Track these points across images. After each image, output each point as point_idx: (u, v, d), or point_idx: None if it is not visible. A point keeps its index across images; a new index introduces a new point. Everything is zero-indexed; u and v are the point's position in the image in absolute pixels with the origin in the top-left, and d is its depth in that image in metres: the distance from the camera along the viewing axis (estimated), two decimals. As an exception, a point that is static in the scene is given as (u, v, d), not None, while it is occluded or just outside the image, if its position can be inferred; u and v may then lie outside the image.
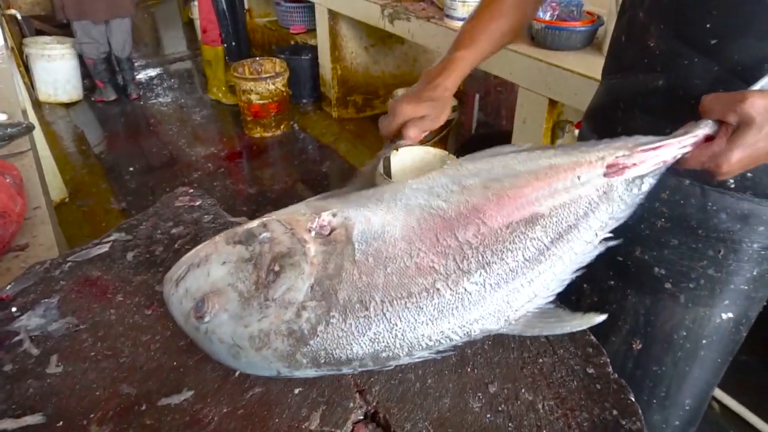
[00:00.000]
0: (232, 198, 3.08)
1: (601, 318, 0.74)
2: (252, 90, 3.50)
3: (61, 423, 0.65)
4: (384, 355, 0.67)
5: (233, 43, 4.05)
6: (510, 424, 0.65)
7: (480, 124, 4.00)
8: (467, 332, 0.69)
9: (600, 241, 0.74)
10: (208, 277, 0.70)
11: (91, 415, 0.66)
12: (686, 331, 0.92)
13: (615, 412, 0.67)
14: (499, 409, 0.67)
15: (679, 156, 0.71)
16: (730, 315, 0.91)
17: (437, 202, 0.73)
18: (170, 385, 0.69)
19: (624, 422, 0.66)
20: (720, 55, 0.76)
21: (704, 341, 0.92)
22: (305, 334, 0.65)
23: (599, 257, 0.74)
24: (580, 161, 0.74)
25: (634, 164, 0.72)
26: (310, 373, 0.68)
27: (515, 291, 0.70)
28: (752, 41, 0.73)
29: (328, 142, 3.67)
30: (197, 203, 1.05)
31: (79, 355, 0.73)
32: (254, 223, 0.75)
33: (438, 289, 0.67)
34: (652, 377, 0.96)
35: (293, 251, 0.70)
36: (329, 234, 0.72)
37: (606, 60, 1.01)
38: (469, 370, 0.72)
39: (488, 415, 0.66)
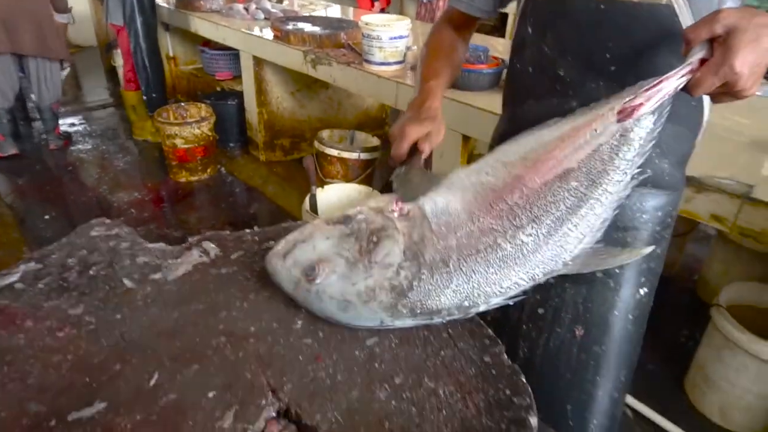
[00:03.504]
0: (157, 242, 3.00)
1: (649, 249, 0.93)
2: (177, 134, 3.48)
3: (-37, 444, 0.64)
4: (466, 304, 0.80)
5: (153, 95, 4.05)
6: (413, 409, 0.70)
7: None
8: (531, 277, 0.81)
9: (632, 177, 0.84)
10: (314, 250, 0.82)
11: (-3, 434, 0.65)
12: (618, 310, 1.04)
13: (508, 392, 0.74)
14: (404, 396, 0.72)
15: (681, 86, 0.76)
16: (645, 290, 1.05)
17: (486, 178, 0.86)
18: (82, 400, 0.70)
19: (515, 399, 0.73)
20: (619, 77, 0.91)
21: (630, 317, 1.05)
22: (404, 288, 0.79)
23: None
24: (594, 117, 0.83)
25: (641, 104, 0.80)
26: (408, 322, 0.81)
27: (565, 235, 0.82)
28: (644, 64, 0.90)
29: (256, 185, 3.68)
30: (114, 232, 1.06)
31: (-16, 379, 0.72)
32: (348, 211, 0.87)
33: (499, 244, 0.80)
34: (594, 357, 1.06)
35: (386, 226, 0.83)
36: (407, 214, 0.85)
37: (510, 90, 1.16)
38: (376, 365, 0.77)
39: (393, 403, 0.71)
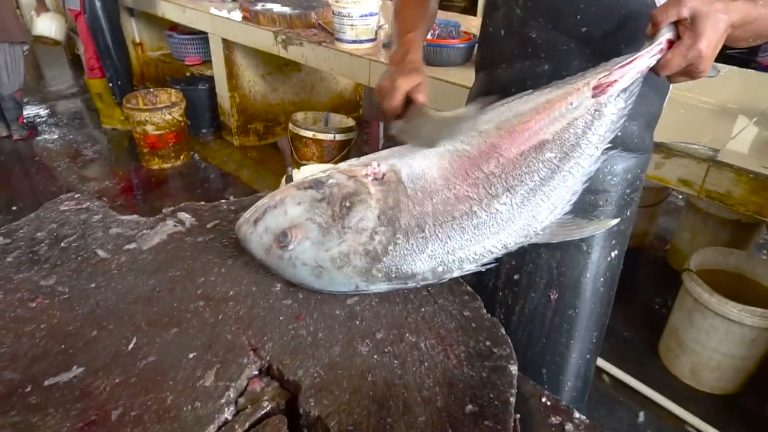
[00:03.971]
0: (130, 230, 2.95)
1: (615, 221, 0.97)
2: (147, 121, 3.41)
3: (-65, 413, 0.62)
4: (440, 269, 0.80)
5: (119, 82, 3.95)
6: (395, 362, 0.71)
7: (384, 147, 4.14)
8: (504, 245, 0.82)
9: (602, 152, 0.85)
10: (286, 215, 0.81)
11: (-30, 403, 0.63)
12: (589, 273, 1.06)
13: (488, 343, 0.75)
14: (386, 350, 0.73)
15: (652, 64, 0.79)
16: (616, 252, 1.08)
17: (462, 146, 0.86)
18: (58, 366, 0.68)
19: (495, 350, 0.74)
20: (590, 40, 0.92)
21: (602, 279, 1.08)
22: (379, 252, 0.78)
23: None
24: (570, 90, 0.84)
25: (615, 80, 0.82)
26: (383, 286, 0.80)
27: (537, 206, 0.83)
28: (612, 28, 0.91)
29: (230, 170, 3.63)
30: (85, 205, 1.03)
31: (-45, 350, 0.70)
32: (318, 175, 0.86)
33: (475, 212, 0.81)
34: (568, 320, 1.08)
35: (359, 191, 0.82)
36: (382, 178, 0.85)
37: (482, 54, 1.15)
38: (357, 322, 0.77)
39: (375, 356, 0.72)
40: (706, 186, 1.54)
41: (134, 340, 0.72)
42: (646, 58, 0.79)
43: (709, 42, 0.73)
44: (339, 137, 3.10)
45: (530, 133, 0.84)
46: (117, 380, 0.66)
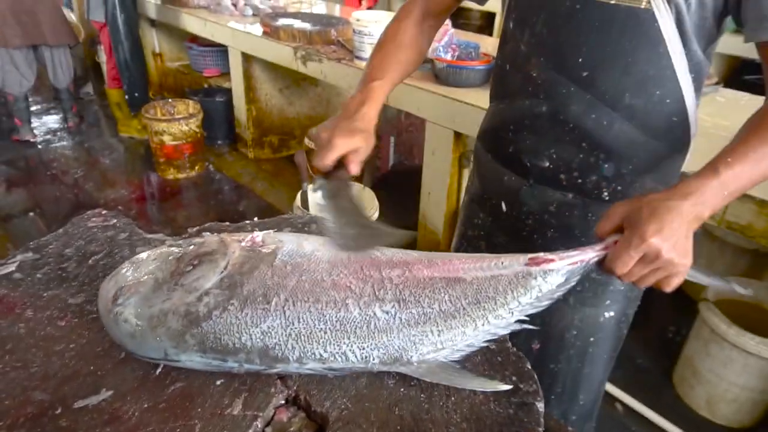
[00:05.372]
0: (145, 240, 2.97)
1: (505, 388, 0.73)
2: (165, 131, 3.44)
3: (-34, 433, 0.62)
4: (274, 353, 0.68)
5: (136, 94, 4.01)
6: (422, 395, 0.71)
7: (395, 163, 4.16)
8: (365, 356, 0.70)
9: (515, 321, 0.76)
10: (136, 271, 0.76)
11: (0, 423, 0.64)
12: (576, 330, 1.02)
13: (514, 378, 0.75)
14: (412, 383, 0.72)
15: (598, 257, 0.75)
16: (612, 313, 1.02)
17: (375, 253, 0.78)
18: (87, 388, 0.69)
19: (522, 385, 0.73)
20: (591, 85, 0.89)
21: (592, 339, 1.03)
22: (200, 316, 0.69)
23: None
24: (508, 256, 0.79)
25: (552, 260, 0.76)
26: (196, 359, 0.70)
27: (423, 334, 0.72)
28: (617, 74, 0.87)
29: (245, 182, 3.66)
30: (111, 222, 1.04)
31: (-15, 369, 0.71)
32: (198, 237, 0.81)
33: (347, 305, 0.71)
34: (549, 374, 1.04)
35: (216, 251, 0.76)
36: (261, 246, 0.78)
37: (493, 86, 1.12)
38: (383, 353, 0.77)
39: (402, 389, 0.71)
40: (727, 217, 1.53)
41: (162, 365, 0.72)
42: (590, 252, 0.76)
43: (652, 228, 0.67)
44: (354, 153, 3.11)
45: (450, 267, 0.77)
46: (146, 405, 0.67)
